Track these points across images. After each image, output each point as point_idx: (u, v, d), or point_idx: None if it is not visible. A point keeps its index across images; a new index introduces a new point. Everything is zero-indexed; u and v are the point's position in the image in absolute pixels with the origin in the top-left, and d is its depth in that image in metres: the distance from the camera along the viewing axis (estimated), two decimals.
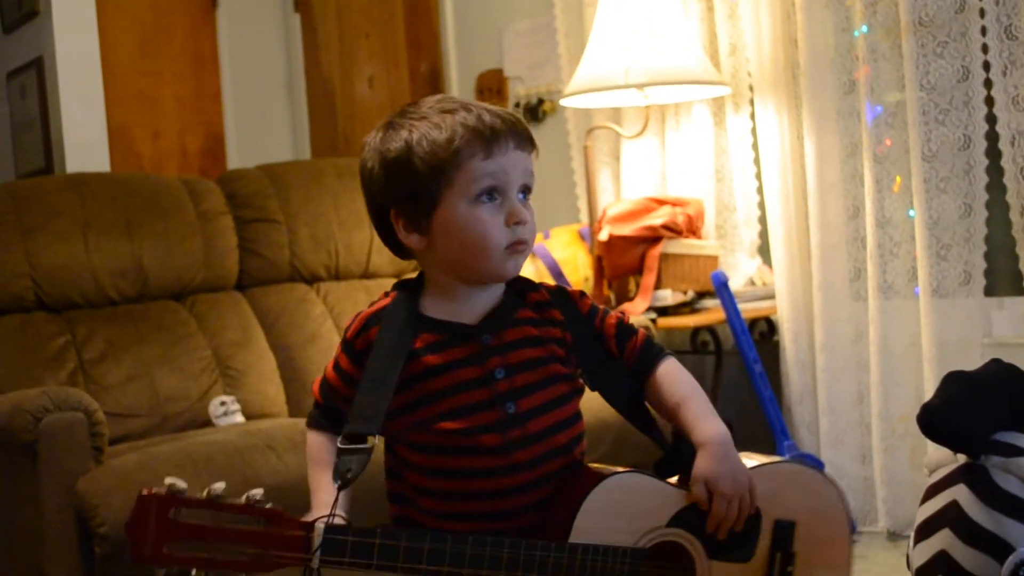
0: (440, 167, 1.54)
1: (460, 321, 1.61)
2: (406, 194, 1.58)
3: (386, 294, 1.67)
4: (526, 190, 1.60)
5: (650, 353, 1.71)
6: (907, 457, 3.54)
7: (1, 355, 3.24)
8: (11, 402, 2.86)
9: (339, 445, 1.52)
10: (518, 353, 1.61)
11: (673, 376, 1.70)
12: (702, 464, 1.61)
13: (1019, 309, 3.34)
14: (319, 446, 1.65)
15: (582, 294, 1.73)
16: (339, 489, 1.49)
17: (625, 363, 1.71)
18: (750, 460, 1.71)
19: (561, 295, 1.71)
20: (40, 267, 3.35)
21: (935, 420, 1.42)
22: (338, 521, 1.48)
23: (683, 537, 1.62)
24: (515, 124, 1.59)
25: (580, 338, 1.67)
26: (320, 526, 1.42)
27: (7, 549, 3.06)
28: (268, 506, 1.41)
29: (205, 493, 1.39)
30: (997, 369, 1.53)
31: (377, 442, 1.52)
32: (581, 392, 1.69)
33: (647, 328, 3.42)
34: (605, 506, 1.56)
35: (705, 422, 1.65)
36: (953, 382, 1.47)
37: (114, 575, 2.72)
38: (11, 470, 2.92)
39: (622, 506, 1.58)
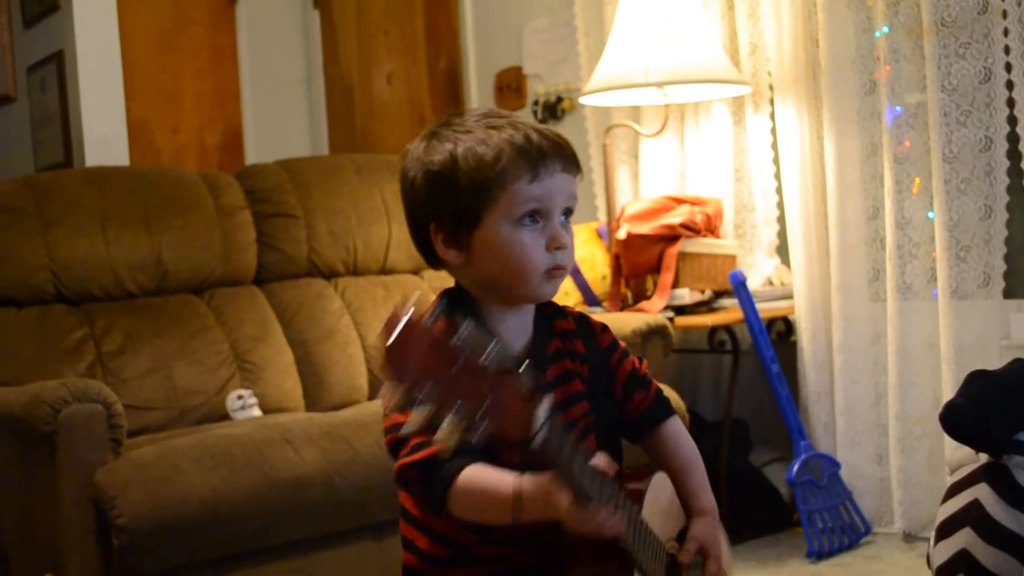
0: (485, 186, 1.51)
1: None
2: (448, 209, 1.55)
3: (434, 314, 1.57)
4: (568, 212, 1.58)
5: (661, 409, 1.74)
6: (924, 459, 3.54)
7: (20, 347, 3.25)
8: (30, 393, 2.87)
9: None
10: (558, 391, 1.59)
11: (679, 439, 1.74)
12: (702, 529, 1.66)
13: None
14: (479, 476, 1.44)
15: (604, 327, 1.73)
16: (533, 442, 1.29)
17: (629, 410, 1.72)
18: None
19: (585, 326, 1.71)
20: (59, 260, 3.36)
21: (958, 419, 1.42)
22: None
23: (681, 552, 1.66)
24: (563, 147, 1.57)
25: (594, 370, 1.67)
26: (546, 402, 1.26)
27: (25, 539, 3.08)
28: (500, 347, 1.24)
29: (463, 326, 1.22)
30: (1021, 368, 1.52)
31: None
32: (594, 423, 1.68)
33: (664, 328, 3.43)
34: (658, 494, 1.60)
35: (706, 493, 1.71)
36: (976, 381, 1.47)
37: (132, 567, 2.74)
38: (30, 461, 2.93)
39: (665, 502, 1.64)
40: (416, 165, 1.58)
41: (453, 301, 1.62)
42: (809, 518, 3.53)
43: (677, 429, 1.74)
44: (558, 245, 1.54)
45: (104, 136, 4.69)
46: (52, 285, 3.36)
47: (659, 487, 1.61)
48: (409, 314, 1.21)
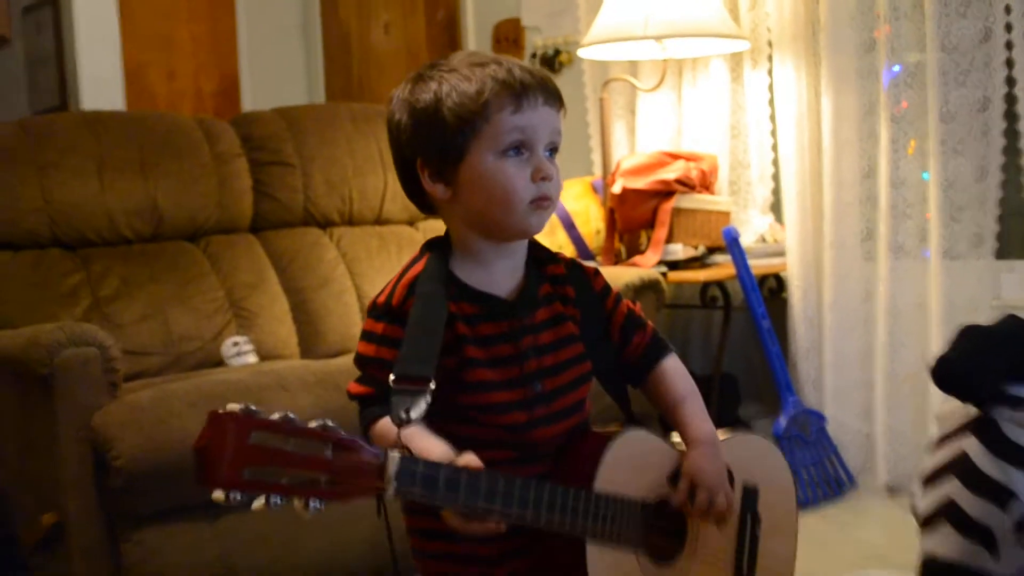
0: (469, 119, 1.53)
1: (495, 294, 1.62)
2: (433, 144, 1.56)
3: (416, 259, 1.65)
4: (553, 148, 1.59)
5: (656, 348, 1.75)
6: (910, 415, 3.58)
7: (16, 290, 3.27)
8: (26, 336, 2.89)
9: (392, 386, 1.48)
10: (547, 333, 1.63)
11: (674, 374, 1.74)
12: (691, 461, 1.66)
13: None
14: (388, 427, 1.52)
15: (596, 272, 1.74)
16: (400, 426, 1.45)
17: (628, 352, 1.74)
18: (721, 434, 1.76)
19: (577, 271, 1.72)
20: (55, 203, 3.37)
21: (948, 371, 1.45)
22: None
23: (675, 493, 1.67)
24: (545, 80, 1.58)
25: (587, 314, 1.69)
26: (394, 454, 1.39)
27: (25, 480, 3.11)
28: (343, 434, 1.37)
29: (278, 416, 1.34)
30: (1012, 324, 1.55)
31: (432, 386, 1.48)
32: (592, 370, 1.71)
33: (657, 282, 3.45)
34: (623, 460, 1.60)
35: (699, 422, 1.70)
36: (967, 335, 1.50)
37: (129, 508, 2.77)
38: (28, 403, 2.96)
39: (635, 461, 1.63)
40: (402, 106, 1.60)
41: (439, 244, 1.64)
42: (795, 471, 3.57)
43: (673, 366, 1.74)
44: (543, 175, 1.55)
45: (100, 79, 4.69)
46: (48, 229, 3.37)
47: (625, 448, 1.61)
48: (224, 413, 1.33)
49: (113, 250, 3.45)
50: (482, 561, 1.61)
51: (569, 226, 3.97)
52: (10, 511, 3.13)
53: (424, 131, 1.57)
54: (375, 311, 1.61)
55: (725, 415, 3.83)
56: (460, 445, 1.52)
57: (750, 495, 1.75)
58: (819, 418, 3.69)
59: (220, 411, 1.32)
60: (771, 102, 3.92)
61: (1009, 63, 3.33)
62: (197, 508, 2.85)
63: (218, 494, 1.30)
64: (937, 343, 3.42)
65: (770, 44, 3.89)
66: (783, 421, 3.63)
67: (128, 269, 3.42)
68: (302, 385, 2.88)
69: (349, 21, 5.48)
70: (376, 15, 5.35)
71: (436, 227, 3.95)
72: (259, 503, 1.32)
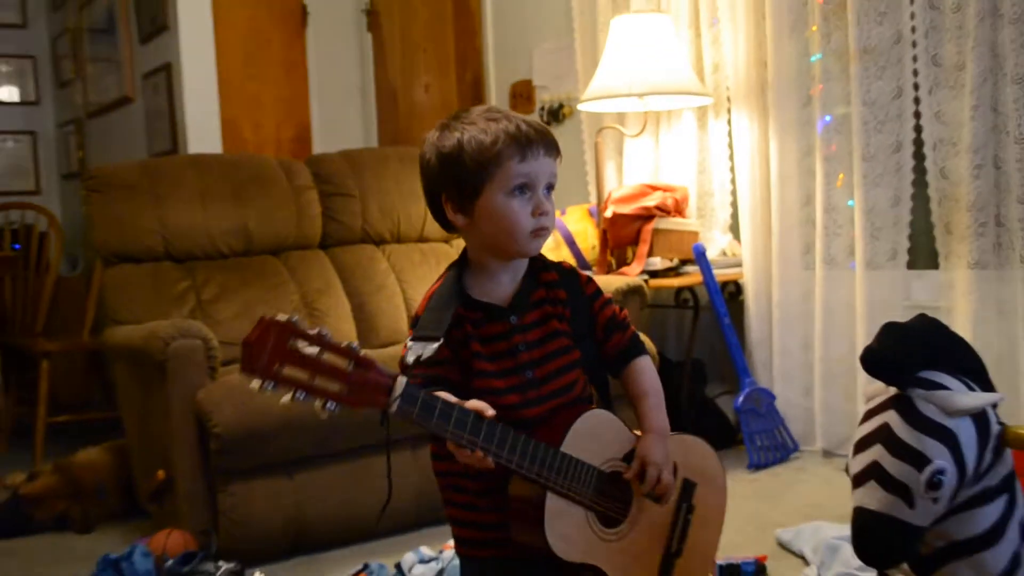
0: (484, 164, 1.52)
1: (493, 303, 1.60)
2: (455, 183, 1.55)
3: (440, 278, 1.66)
4: (550, 187, 1.59)
5: (633, 348, 1.71)
6: (841, 392, 3.56)
7: (138, 294, 3.28)
8: (147, 330, 2.91)
9: (409, 342, 1.50)
10: (536, 331, 1.61)
11: (643, 372, 1.70)
12: (644, 445, 1.63)
13: (934, 279, 3.33)
14: None
15: (589, 279, 1.72)
16: (413, 366, 1.46)
17: (608, 348, 1.70)
18: (676, 436, 1.73)
19: (570, 276, 1.69)
20: (168, 226, 3.38)
21: (874, 359, 1.43)
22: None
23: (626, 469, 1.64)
24: (546, 134, 1.58)
25: (576, 312, 1.66)
26: (403, 379, 1.41)
27: (143, 444, 3.12)
28: (363, 353, 1.38)
29: (315, 331, 1.34)
30: (924, 322, 1.53)
31: (440, 343, 1.50)
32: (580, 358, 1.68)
33: (640, 288, 3.44)
34: (587, 431, 1.58)
35: (655, 414, 1.66)
36: (889, 330, 1.48)
37: (224, 465, 2.78)
38: (146, 383, 2.97)
39: (599, 433, 1.60)
40: (431, 149, 1.59)
41: (459, 264, 1.64)
42: (750, 438, 3.55)
43: (643, 365, 1.71)
44: (541, 212, 1.55)
45: (202, 129, 4.71)
46: (162, 246, 3.38)
47: (591, 421, 1.59)
48: (272, 320, 1.32)
49: (213, 263, 3.45)
50: (494, 508, 1.60)
51: (571, 243, 3.96)
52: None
53: (448, 171, 1.56)
54: (411, 322, 1.63)
55: (695, 393, 3.82)
56: None
57: (688, 487, 1.72)
58: (769, 395, 3.67)
59: (268, 317, 1.32)
60: (730, 145, 3.90)
61: (916, 115, 3.31)
62: (278, 466, 2.86)
63: (255, 383, 1.30)
64: (861, 335, 3.40)
65: (729, 99, 3.87)
66: (741, 398, 3.61)
67: (225, 277, 3.42)
68: None
69: (396, 82, 5.48)
70: (418, 77, 5.35)
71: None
72: (287, 397, 1.32)
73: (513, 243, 1.56)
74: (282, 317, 1.33)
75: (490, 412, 1.47)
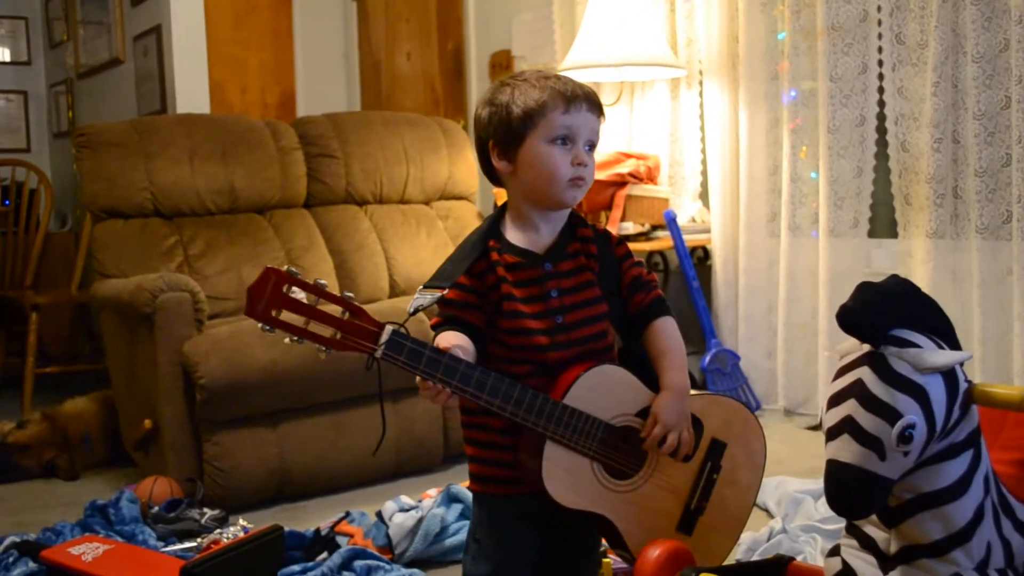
0: (531, 113, 1.54)
1: (531, 249, 1.59)
2: (503, 131, 1.57)
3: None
4: (591, 144, 1.59)
5: (655, 308, 1.67)
6: (802, 355, 3.55)
7: (128, 249, 3.20)
8: (135, 283, 2.85)
9: (418, 291, 1.52)
10: (569, 280, 1.59)
11: (663, 331, 1.66)
12: (660, 400, 1.59)
13: (892, 248, 3.33)
14: (441, 338, 1.53)
15: (621, 241, 1.69)
16: (411, 314, 1.48)
17: (631, 306, 1.66)
18: (707, 394, 1.70)
19: (604, 236, 1.67)
20: (157, 184, 3.30)
21: (850, 317, 1.40)
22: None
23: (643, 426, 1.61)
24: (591, 94, 1.59)
25: (604, 269, 1.63)
26: (390, 327, 1.42)
27: (130, 394, 3.06)
28: (355, 302, 1.41)
29: (313, 282, 1.39)
30: (897, 282, 1.51)
31: (444, 294, 1.51)
32: (608, 310, 1.64)
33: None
34: (595, 385, 1.55)
35: (674, 373, 1.62)
36: (864, 290, 1.45)
37: (210, 416, 2.74)
38: (134, 335, 2.91)
39: (607, 388, 1.57)
40: (484, 104, 1.61)
41: (496, 215, 1.64)
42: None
43: (664, 324, 1.66)
44: (580, 162, 1.55)
45: (190, 92, 4.62)
46: (151, 203, 3.30)
47: (598, 377, 1.55)
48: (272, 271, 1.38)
49: (200, 219, 3.38)
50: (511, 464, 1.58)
51: None
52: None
53: (497, 120, 1.57)
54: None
55: None
56: (492, 360, 1.54)
57: (717, 447, 1.68)
58: (734, 356, 3.65)
59: (270, 267, 1.38)
60: (701, 116, 3.86)
61: (880, 90, 3.30)
62: (262, 417, 2.81)
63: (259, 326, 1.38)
64: (824, 301, 3.39)
65: (701, 72, 3.83)
66: (707, 358, 3.59)
67: (211, 234, 3.34)
68: None
69: (379, 51, 5.37)
70: (400, 46, 5.25)
71: (448, 207, 3.89)
72: (286, 339, 1.40)
73: (552, 190, 1.56)
74: (282, 268, 1.38)
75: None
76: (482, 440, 1.60)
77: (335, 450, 2.89)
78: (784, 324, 3.56)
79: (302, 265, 3.42)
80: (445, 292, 1.51)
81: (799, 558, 2.13)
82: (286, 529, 2.30)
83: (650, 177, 3.77)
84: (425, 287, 1.53)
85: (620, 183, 3.69)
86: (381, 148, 3.73)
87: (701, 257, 3.88)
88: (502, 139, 1.58)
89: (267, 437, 2.81)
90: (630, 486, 1.61)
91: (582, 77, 3.83)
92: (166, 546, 2.41)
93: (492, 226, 1.62)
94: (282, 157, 3.55)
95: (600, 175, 3.71)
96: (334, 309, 1.41)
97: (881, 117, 3.31)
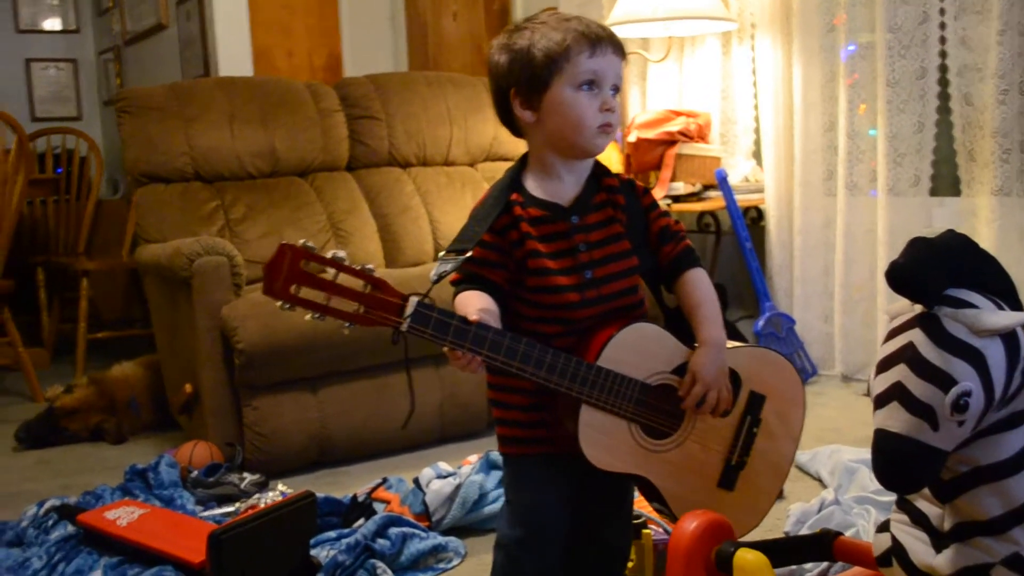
0: (554, 58, 1.46)
1: (556, 201, 1.53)
2: (525, 77, 1.49)
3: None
4: (616, 88, 1.51)
5: (685, 259, 1.60)
6: (860, 318, 3.45)
7: (168, 213, 3.19)
8: (172, 247, 2.83)
9: (440, 255, 1.45)
10: (597, 232, 1.52)
11: (696, 283, 1.59)
12: (697, 357, 1.53)
13: (955, 207, 3.20)
14: (462, 298, 1.49)
15: (646, 191, 1.62)
16: (434, 282, 1.40)
17: (661, 258, 1.59)
18: (744, 345, 1.63)
19: (629, 186, 1.60)
20: (197, 148, 3.28)
21: (900, 275, 1.30)
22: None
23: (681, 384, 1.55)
24: (614, 36, 1.51)
25: (632, 220, 1.57)
26: (414, 299, 1.36)
27: (174, 359, 3.06)
28: (376, 274, 1.35)
29: (330, 255, 1.33)
30: (952, 237, 1.40)
31: (471, 254, 1.44)
32: (638, 264, 1.58)
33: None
34: (629, 344, 1.49)
35: (709, 326, 1.56)
36: (916, 245, 1.35)
37: (248, 380, 2.72)
38: (175, 300, 2.90)
39: (641, 347, 1.51)
40: (500, 49, 1.52)
41: (516, 167, 1.56)
42: None
43: (695, 276, 1.59)
44: (608, 108, 1.48)
45: (233, 56, 4.61)
46: (191, 167, 3.28)
47: (631, 336, 1.49)
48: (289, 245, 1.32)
49: (241, 183, 3.35)
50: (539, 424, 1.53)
51: None
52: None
53: (518, 66, 1.49)
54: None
55: None
56: (519, 320, 1.50)
57: (756, 400, 1.61)
58: (789, 320, 3.55)
59: (285, 243, 1.33)
60: (753, 71, 3.74)
61: (942, 40, 3.17)
62: (302, 381, 2.78)
63: (279, 303, 1.33)
64: (882, 261, 3.28)
65: (753, 26, 3.71)
66: (761, 322, 3.49)
67: (252, 198, 3.31)
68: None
69: (426, 13, 5.30)
70: (446, 7, 5.17)
71: (493, 168, 3.82)
72: (308, 316, 1.34)
73: (580, 137, 1.49)
74: (298, 243, 1.33)
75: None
76: (509, 402, 1.55)
77: (377, 415, 2.86)
78: (841, 286, 3.45)
79: (345, 229, 3.37)
80: (470, 253, 1.44)
81: (851, 532, 2.04)
82: (323, 495, 2.28)
83: (701, 135, 3.67)
84: (449, 251, 1.46)
85: (670, 142, 3.61)
86: (424, 109, 3.66)
87: (754, 218, 3.77)
88: (524, 87, 1.49)
89: (308, 402, 2.78)
90: (669, 445, 1.55)
91: (629, 32, 3.73)
92: (205, 510, 2.40)
93: (513, 179, 1.54)
94: (323, 119, 3.50)
95: (649, 134, 3.63)
96: (356, 283, 1.35)
97: (943, 69, 3.18)
